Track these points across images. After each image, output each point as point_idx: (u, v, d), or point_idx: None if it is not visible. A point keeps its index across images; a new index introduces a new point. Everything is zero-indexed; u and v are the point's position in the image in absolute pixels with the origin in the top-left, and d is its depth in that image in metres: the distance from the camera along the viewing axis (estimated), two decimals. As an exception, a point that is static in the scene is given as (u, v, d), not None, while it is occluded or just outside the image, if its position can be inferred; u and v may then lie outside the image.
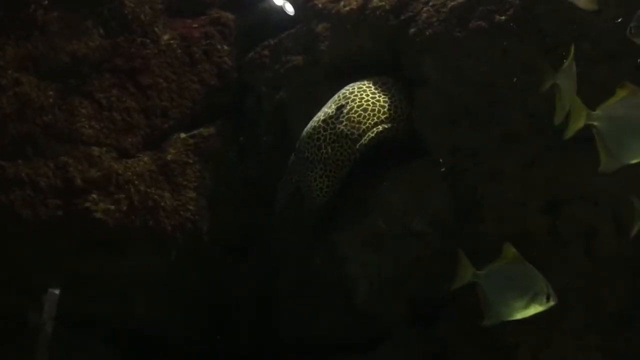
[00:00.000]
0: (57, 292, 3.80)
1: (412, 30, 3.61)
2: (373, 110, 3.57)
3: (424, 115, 3.53)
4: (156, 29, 4.18)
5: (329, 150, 3.57)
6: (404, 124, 3.60)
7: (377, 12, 3.79)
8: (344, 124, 3.56)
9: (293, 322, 3.91)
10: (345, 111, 3.59)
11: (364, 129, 3.54)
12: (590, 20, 3.14)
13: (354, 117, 3.56)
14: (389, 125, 3.55)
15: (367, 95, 3.62)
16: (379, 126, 3.53)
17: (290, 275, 3.97)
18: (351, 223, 3.66)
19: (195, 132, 4.18)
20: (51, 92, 3.95)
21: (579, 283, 3.17)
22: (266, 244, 4.13)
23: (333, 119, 3.61)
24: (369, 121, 3.54)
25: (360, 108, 3.57)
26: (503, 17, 3.32)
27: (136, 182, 3.97)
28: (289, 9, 4.25)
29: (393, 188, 3.57)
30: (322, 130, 3.62)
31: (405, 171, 3.57)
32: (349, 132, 3.55)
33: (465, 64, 3.39)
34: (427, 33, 3.54)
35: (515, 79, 3.27)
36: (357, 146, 3.54)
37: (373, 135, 3.53)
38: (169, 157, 4.08)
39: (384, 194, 3.58)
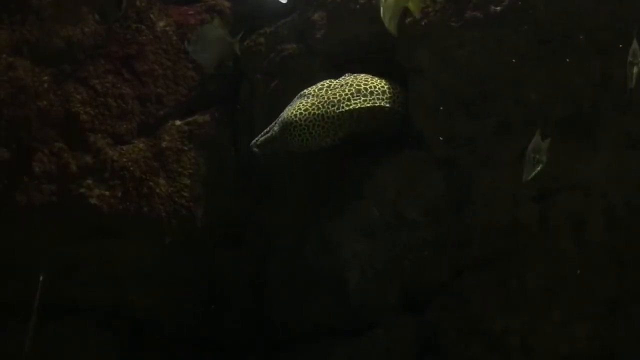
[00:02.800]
0: (40, 278, 3.81)
1: (407, 19, 3.62)
2: (380, 82, 3.62)
3: (419, 104, 3.56)
4: (152, 15, 4.17)
5: (329, 92, 3.56)
6: (401, 110, 3.63)
7: (373, 1, 3.80)
8: (351, 78, 3.62)
9: (285, 308, 3.94)
10: (351, 77, 3.65)
11: (371, 86, 3.57)
12: (585, 12, 3.17)
13: (361, 78, 3.62)
14: (390, 103, 3.57)
15: (372, 76, 3.68)
16: (381, 99, 3.55)
17: (283, 261, 4.00)
18: (344, 210, 3.69)
19: (190, 119, 4.18)
20: (46, 78, 3.94)
21: (568, 272, 3.22)
22: (260, 230, 4.15)
23: (340, 80, 3.66)
24: (376, 84, 3.59)
25: (367, 78, 3.63)
26: (498, 8, 3.34)
27: (131, 169, 3.98)
28: (283, -3, 4.25)
29: (387, 176, 3.60)
30: (327, 82, 3.66)
31: (400, 159, 3.60)
32: (354, 83, 3.58)
33: (460, 54, 3.40)
34: (423, 23, 3.55)
35: (508, 69, 3.30)
36: (356, 104, 3.51)
37: (374, 104, 3.52)
38: (164, 144, 4.08)
39: (377, 182, 3.61)
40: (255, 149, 3.74)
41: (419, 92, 3.55)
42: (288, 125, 3.58)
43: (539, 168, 2.83)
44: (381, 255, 3.55)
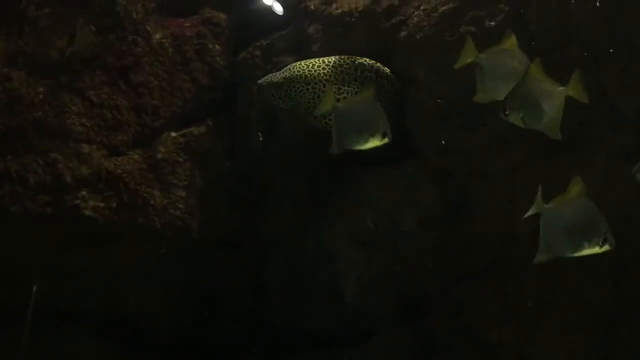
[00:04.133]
0: (37, 287, 3.79)
1: (403, 33, 3.67)
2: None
3: (415, 116, 3.60)
4: (148, 27, 4.18)
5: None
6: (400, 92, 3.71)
7: (369, 15, 3.85)
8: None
9: (283, 317, 3.94)
10: None
11: (374, 61, 3.71)
12: (579, 26, 3.24)
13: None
14: (392, 74, 3.67)
15: None
16: (384, 69, 3.66)
17: (281, 270, 4.01)
18: (341, 218, 3.72)
19: (186, 130, 4.18)
20: (41, 88, 3.93)
21: (564, 282, 3.25)
22: (258, 238, 4.15)
23: None
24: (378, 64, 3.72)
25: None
26: (493, 23, 3.39)
27: (126, 180, 3.97)
28: (278, 9, 4.29)
29: (383, 186, 3.63)
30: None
31: (396, 170, 3.64)
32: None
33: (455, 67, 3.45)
34: (418, 37, 3.60)
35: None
36: (361, 59, 3.66)
37: (378, 66, 3.65)
38: (159, 156, 4.08)
39: (374, 191, 3.65)
40: (259, 86, 3.74)
41: (416, 104, 3.60)
42: (293, 64, 3.70)
43: (607, 247, 2.19)
44: (378, 264, 3.57)
